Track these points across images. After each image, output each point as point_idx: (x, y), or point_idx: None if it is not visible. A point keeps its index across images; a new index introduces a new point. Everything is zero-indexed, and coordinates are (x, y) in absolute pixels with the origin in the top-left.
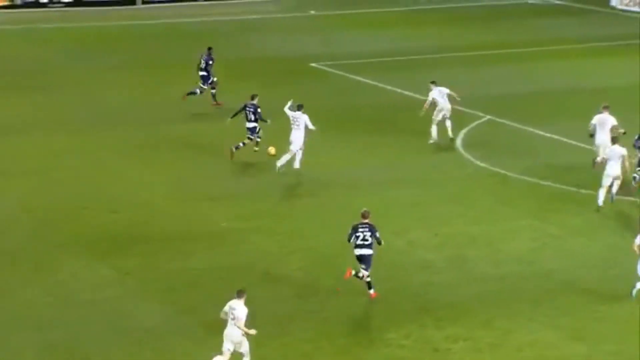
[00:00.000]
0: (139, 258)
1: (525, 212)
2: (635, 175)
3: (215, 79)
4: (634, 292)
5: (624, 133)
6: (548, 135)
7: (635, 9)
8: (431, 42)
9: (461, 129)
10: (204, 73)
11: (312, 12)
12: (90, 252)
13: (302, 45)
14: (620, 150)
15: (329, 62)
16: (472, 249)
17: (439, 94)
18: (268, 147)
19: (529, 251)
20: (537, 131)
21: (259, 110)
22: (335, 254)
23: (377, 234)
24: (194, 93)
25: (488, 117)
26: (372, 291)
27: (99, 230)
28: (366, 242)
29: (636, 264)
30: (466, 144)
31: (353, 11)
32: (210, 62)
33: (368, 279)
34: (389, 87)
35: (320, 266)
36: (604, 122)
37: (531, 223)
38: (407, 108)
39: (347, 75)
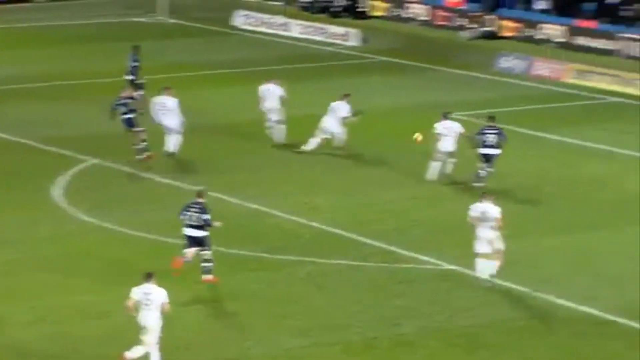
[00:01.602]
0: None
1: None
2: (480, 171)
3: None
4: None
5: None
6: (170, 182)
7: (262, 29)
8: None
9: (58, 176)
10: (132, 77)
11: None
12: None
13: None
14: (454, 125)
15: None
16: (79, 325)
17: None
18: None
19: None
20: (157, 178)
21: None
22: None
23: (205, 217)
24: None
25: (93, 160)
26: (211, 276)
27: None
28: (195, 224)
29: None
30: (68, 194)
31: None
32: (135, 64)
33: (208, 264)
34: None
35: None
36: (271, 93)
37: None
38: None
39: None
